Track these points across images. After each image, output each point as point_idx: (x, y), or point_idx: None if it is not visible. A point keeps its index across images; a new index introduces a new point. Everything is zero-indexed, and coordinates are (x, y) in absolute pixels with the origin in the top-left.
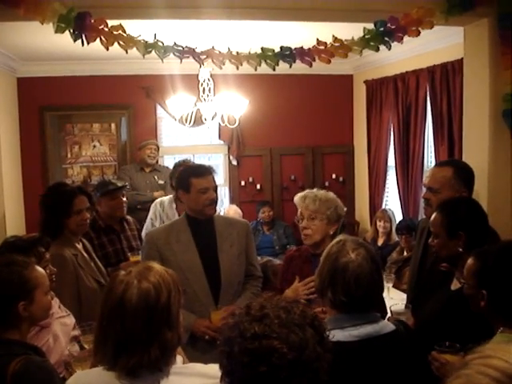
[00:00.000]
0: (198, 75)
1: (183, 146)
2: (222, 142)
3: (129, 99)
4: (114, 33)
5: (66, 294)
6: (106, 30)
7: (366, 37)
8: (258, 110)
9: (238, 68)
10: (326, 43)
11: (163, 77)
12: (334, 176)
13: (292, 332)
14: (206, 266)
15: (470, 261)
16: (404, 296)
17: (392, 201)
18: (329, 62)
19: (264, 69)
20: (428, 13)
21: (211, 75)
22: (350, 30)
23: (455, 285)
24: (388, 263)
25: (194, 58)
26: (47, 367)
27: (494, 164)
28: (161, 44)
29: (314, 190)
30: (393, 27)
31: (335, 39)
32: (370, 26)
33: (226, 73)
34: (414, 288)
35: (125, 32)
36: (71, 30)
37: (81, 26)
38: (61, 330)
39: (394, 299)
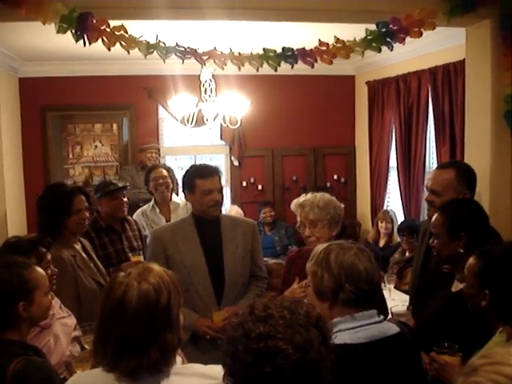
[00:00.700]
0: (199, 76)
1: (185, 146)
2: (223, 143)
3: (130, 100)
4: (116, 33)
5: (66, 295)
6: (108, 30)
7: (368, 38)
8: (259, 111)
9: (239, 69)
10: (327, 44)
11: (165, 77)
12: (335, 177)
13: (297, 332)
14: (211, 265)
15: (471, 260)
16: (405, 297)
17: (394, 202)
18: (331, 62)
19: (266, 69)
20: (430, 14)
21: (213, 76)
22: (352, 31)
23: (456, 286)
24: (390, 264)
25: (195, 59)
26: (47, 367)
27: (496, 165)
28: (163, 44)
29: (309, 195)
30: (395, 28)
31: (337, 40)
32: (372, 26)
33: (227, 73)
34: (416, 289)
35: (127, 32)
36: (73, 31)
37: (83, 26)
38: (62, 330)
39: (396, 300)
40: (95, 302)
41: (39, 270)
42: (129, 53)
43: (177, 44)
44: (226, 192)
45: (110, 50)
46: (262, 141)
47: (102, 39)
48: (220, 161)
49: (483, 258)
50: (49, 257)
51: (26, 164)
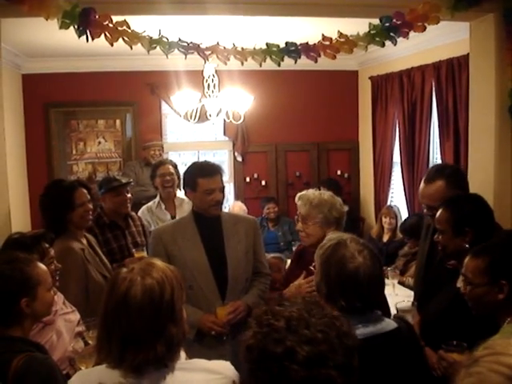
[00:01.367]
0: (202, 71)
1: (188, 142)
2: (226, 138)
3: (134, 95)
4: (119, 29)
5: (75, 287)
6: (111, 25)
7: (372, 32)
8: (263, 106)
9: (242, 64)
10: (331, 39)
11: (168, 73)
12: (339, 172)
13: (347, 358)
14: (213, 262)
15: (471, 261)
16: (409, 292)
17: (397, 197)
18: (334, 57)
19: (269, 64)
20: (434, 8)
21: (216, 71)
22: (356, 26)
23: (461, 282)
24: (399, 255)
25: (198, 54)
26: (50, 364)
27: (500, 160)
28: (165, 40)
29: (311, 190)
30: (398, 23)
31: (341, 35)
32: (376, 21)
33: (230, 69)
34: (421, 285)
35: (129, 28)
36: (76, 26)
37: (85, 21)
38: (65, 326)
39: (399, 295)
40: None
41: (41, 265)
42: (131, 48)
43: (180, 39)
44: (230, 188)
45: (112, 45)
46: (265, 136)
47: (105, 35)
48: (223, 156)
49: (485, 253)
50: (52, 252)
51: (29, 160)
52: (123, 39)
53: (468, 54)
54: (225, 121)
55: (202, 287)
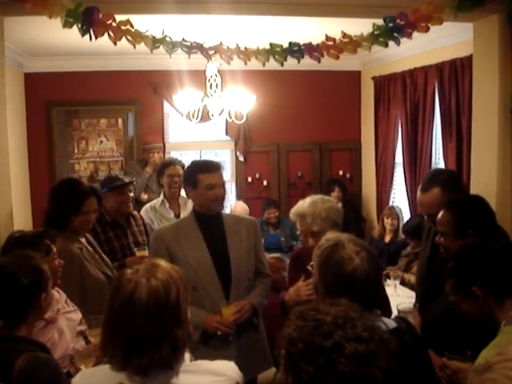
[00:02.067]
0: (205, 71)
1: (190, 141)
2: (228, 138)
3: (136, 95)
4: (122, 28)
5: (72, 288)
6: (114, 24)
7: (375, 32)
8: (265, 106)
9: (245, 63)
10: (334, 39)
11: (170, 72)
12: (341, 172)
13: (388, 362)
14: (216, 261)
15: (446, 284)
16: (411, 293)
17: (399, 198)
18: (337, 57)
19: (272, 64)
20: (437, 9)
21: (219, 71)
22: (359, 26)
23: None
24: (401, 256)
25: (201, 54)
26: (53, 364)
27: (503, 161)
28: (169, 39)
29: (307, 201)
30: (402, 23)
31: (344, 35)
32: (380, 21)
33: (233, 68)
34: (423, 287)
35: (133, 27)
36: (79, 25)
37: (89, 20)
38: (66, 324)
39: (401, 296)
40: (103, 294)
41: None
42: (135, 47)
43: (183, 39)
44: (231, 187)
45: (115, 44)
46: (267, 136)
47: (108, 34)
48: (225, 156)
49: (450, 275)
50: (55, 249)
51: (31, 159)
52: (126, 38)
53: (471, 55)
54: (227, 120)
55: (206, 287)
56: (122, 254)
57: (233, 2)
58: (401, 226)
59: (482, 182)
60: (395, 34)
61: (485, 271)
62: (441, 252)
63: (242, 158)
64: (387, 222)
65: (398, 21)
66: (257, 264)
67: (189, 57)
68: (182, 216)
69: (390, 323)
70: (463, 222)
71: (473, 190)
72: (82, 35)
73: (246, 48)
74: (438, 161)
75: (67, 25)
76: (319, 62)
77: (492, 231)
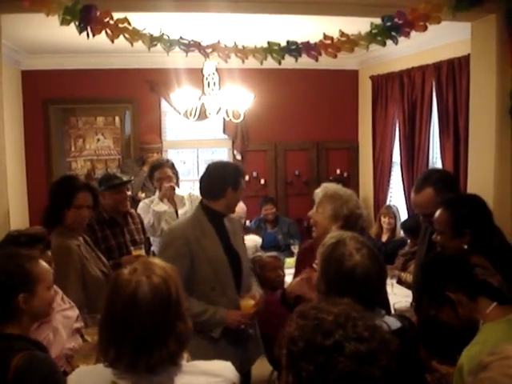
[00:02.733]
0: (202, 69)
1: (187, 140)
2: (226, 137)
3: (133, 93)
4: (120, 26)
5: (73, 283)
6: (112, 22)
7: (373, 31)
8: (263, 105)
9: (243, 62)
10: (332, 38)
11: (168, 71)
12: (338, 171)
13: (389, 362)
14: (230, 259)
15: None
16: (407, 292)
17: (396, 197)
18: (335, 56)
19: (269, 63)
20: (435, 8)
21: (216, 69)
22: (357, 25)
23: None
24: (398, 255)
25: (199, 52)
26: (50, 363)
27: (500, 160)
28: (166, 37)
29: (335, 184)
30: (400, 22)
31: (342, 34)
32: (377, 20)
33: (231, 67)
34: (419, 286)
35: (130, 25)
36: (76, 23)
37: (86, 18)
38: (62, 323)
39: (398, 295)
40: (101, 291)
41: (43, 264)
42: (132, 45)
43: (180, 37)
44: None
45: (113, 42)
46: (264, 135)
47: (106, 31)
48: (222, 155)
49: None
50: (49, 255)
51: (28, 157)
52: (124, 36)
53: (469, 54)
54: (224, 119)
55: (223, 286)
56: (119, 253)
57: (230, 1)
58: (398, 225)
59: (479, 181)
60: (393, 33)
61: (450, 275)
62: (438, 251)
63: (239, 157)
64: (384, 221)
65: (395, 20)
66: None
67: (186, 55)
68: (180, 213)
69: (395, 323)
70: (460, 221)
71: (470, 190)
72: (80, 33)
73: (243, 46)
74: (436, 160)
75: (65, 22)
76: (317, 60)
77: (489, 231)
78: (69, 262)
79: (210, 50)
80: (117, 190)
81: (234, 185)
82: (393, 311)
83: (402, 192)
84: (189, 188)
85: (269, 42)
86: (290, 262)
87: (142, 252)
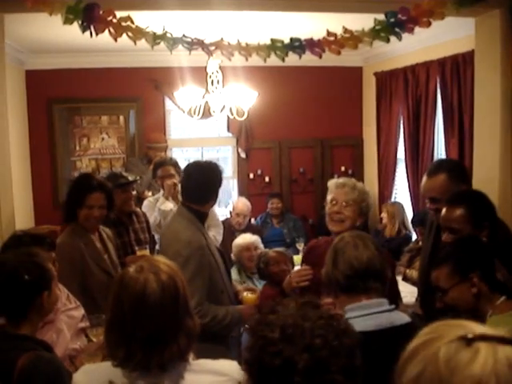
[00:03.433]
0: (206, 67)
1: (192, 138)
2: (230, 135)
3: (137, 91)
4: (123, 24)
5: (71, 283)
6: (115, 21)
7: (377, 28)
8: (266, 103)
9: (247, 59)
10: (336, 34)
11: (172, 69)
12: (342, 169)
13: (349, 359)
14: (223, 259)
15: (438, 272)
16: (412, 289)
17: (401, 194)
18: (339, 53)
19: (273, 60)
20: (439, 4)
21: (220, 67)
22: (361, 21)
23: None
24: (404, 252)
25: (202, 50)
26: (56, 363)
27: (505, 157)
28: (170, 35)
29: (352, 179)
30: (404, 18)
31: (345, 30)
32: (381, 16)
33: (234, 65)
34: (424, 281)
35: (133, 23)
36: (80, 22)
37: (89, 17)
38: (66, 323)
39: (403, 292)
40: (104, 292)
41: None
42: (135, 44)
43: (184, 35)
44: (233, 184)
45: (116, 40)
46: (269, 133)
47: (109, 30)
48: (227, 153)
49: (447, 259)
50: (53, 256)
51: (32, 156)
52: (127, 35)
53: (473, 50)
54: (228, 117)
55: (227, 288)
56: (124, 252)
57: None
58: (403, 222)
59: (484, 177)
60: (397, 30)
61: (486, 262)
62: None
63: (243, 155)
64: (388, 217)
65: (399, 16)
66: None
67: (190, 53)
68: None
69: (404, 317)
70: (479, 214)
71: (475, 186)
72: (83, 32)
73: (247, 44)
74: (440, 156)
75: (68, 21)
76: (320, 57)
77: (493, 225)
78: (70, 260)
79: (213, 48)
80: (122, 189)
81: (220, 186)
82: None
83: (407, 189)
84: None
85: (272, 40)
86: (296, 260)
87: (147, 252)
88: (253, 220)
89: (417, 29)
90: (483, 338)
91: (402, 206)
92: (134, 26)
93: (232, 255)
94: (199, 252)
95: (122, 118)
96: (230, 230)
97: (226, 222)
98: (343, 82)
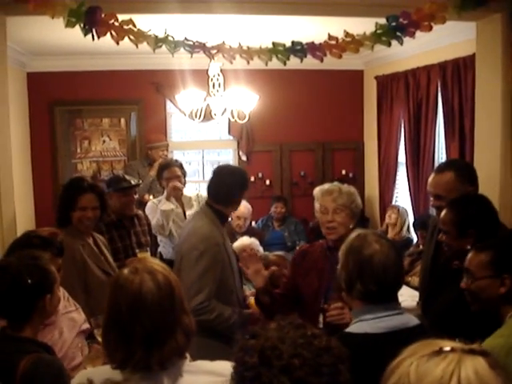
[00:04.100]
0: (207, 70)
1: (193, 141)
2: (231, 138)
3: (139, 94)
4: (125, 27)
5: (74, 283)
6: (117, 24)
7: (378, 32)
8: (268, 106)
9: (248, 63)
10: (337, 38)
11: (173, 72)
12: (343, 172)
13: (331, 377)
14: (236, 260)
15: (476, 256)
16: (414, 293)
17: (402, 197)
18: (340, 57)
19: (275, 64)
20: (441, 8)
21: (221, 70)
22: (362, 25)
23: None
24: (405, 256)
25: (204, 53)
26: (57, 365)
27: (505, 161)
28: (171, 38)
29: (335, 183)
30: (405, 22)
31: (347, 34)
32: (382, 20)
33: (236, 68)
34: (426, 285)
35: (135, 26)
36: (81, 25)
37: (91, 20)
38: (67, 325)
39: (404, 295)
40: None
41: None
42: (137, 47)
43: (185, 38)
44: None
45: (118, 44)
46: (270, 136)
47: (111, 33)
48: (228, 156)
49: (489, 248)
50: (60, 262)
51: (34, 159)
52: (129, 38)
53: (474, 54)
54: (229, 120)
55: (237, 289)
56: (125, 255)
57: (235, 2)
58: (404, 225)
59: (485, 181)
60: (398, 34)
61: None
62: (444, 250)
63: (244, 158)
64: (389, 221)
65: (400, 20)
66: None
67: (191, 56)
68: (188, 214)
69: (413, 319)
70: (464, 221)
71: None
72: (85, 35)
73: (248, 47)
74: (441, 160)
75: (70, 24)
76: (322, 61)
77: (494, 230)
78: (71, 262)
79: (214, 51)
80: (125, 193)
81: (245, 190)
82: None
83: (408, 192)
84: (194, 189)
85: (274, 43)
86: None
87: (148, 255)
88: (253, 223)
89: (418, 33)
90: (453, 349)
91: (406, 210)
92: (135, 30)
93: None
94: (215, 248)
95: (123, 120)
96: (231, 232)
97: (226, 225)
98: (344, 85)
